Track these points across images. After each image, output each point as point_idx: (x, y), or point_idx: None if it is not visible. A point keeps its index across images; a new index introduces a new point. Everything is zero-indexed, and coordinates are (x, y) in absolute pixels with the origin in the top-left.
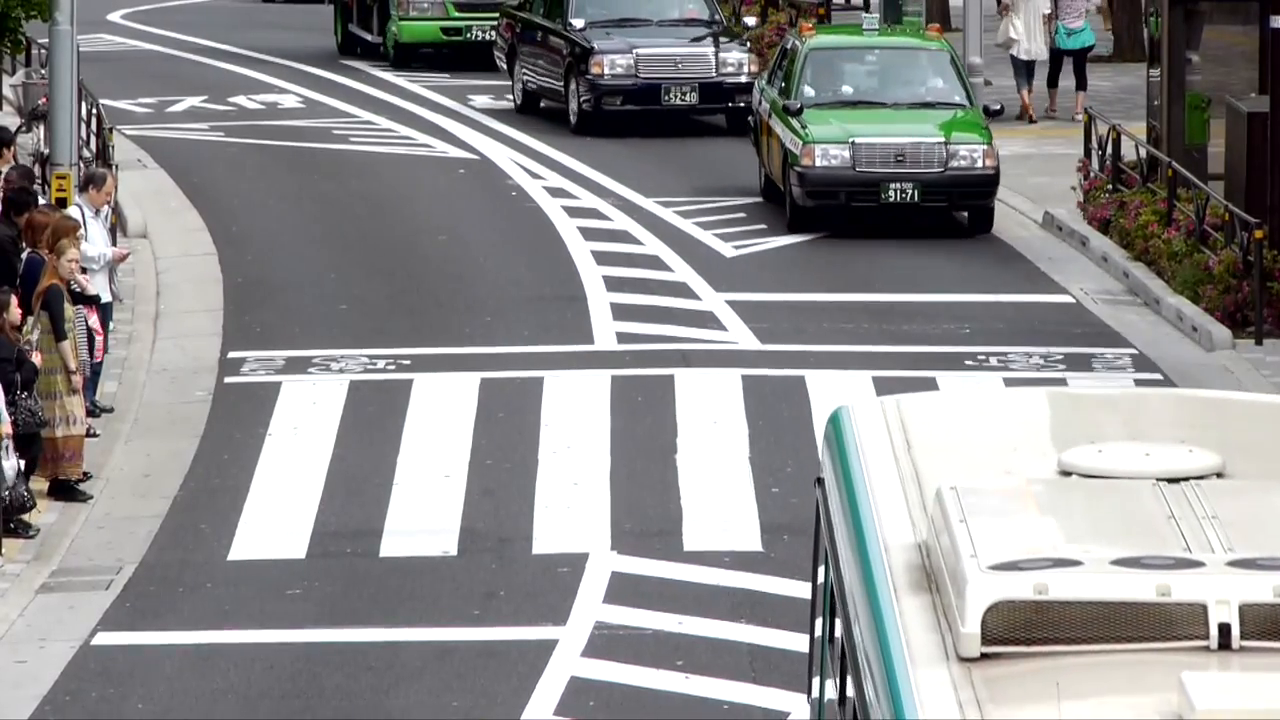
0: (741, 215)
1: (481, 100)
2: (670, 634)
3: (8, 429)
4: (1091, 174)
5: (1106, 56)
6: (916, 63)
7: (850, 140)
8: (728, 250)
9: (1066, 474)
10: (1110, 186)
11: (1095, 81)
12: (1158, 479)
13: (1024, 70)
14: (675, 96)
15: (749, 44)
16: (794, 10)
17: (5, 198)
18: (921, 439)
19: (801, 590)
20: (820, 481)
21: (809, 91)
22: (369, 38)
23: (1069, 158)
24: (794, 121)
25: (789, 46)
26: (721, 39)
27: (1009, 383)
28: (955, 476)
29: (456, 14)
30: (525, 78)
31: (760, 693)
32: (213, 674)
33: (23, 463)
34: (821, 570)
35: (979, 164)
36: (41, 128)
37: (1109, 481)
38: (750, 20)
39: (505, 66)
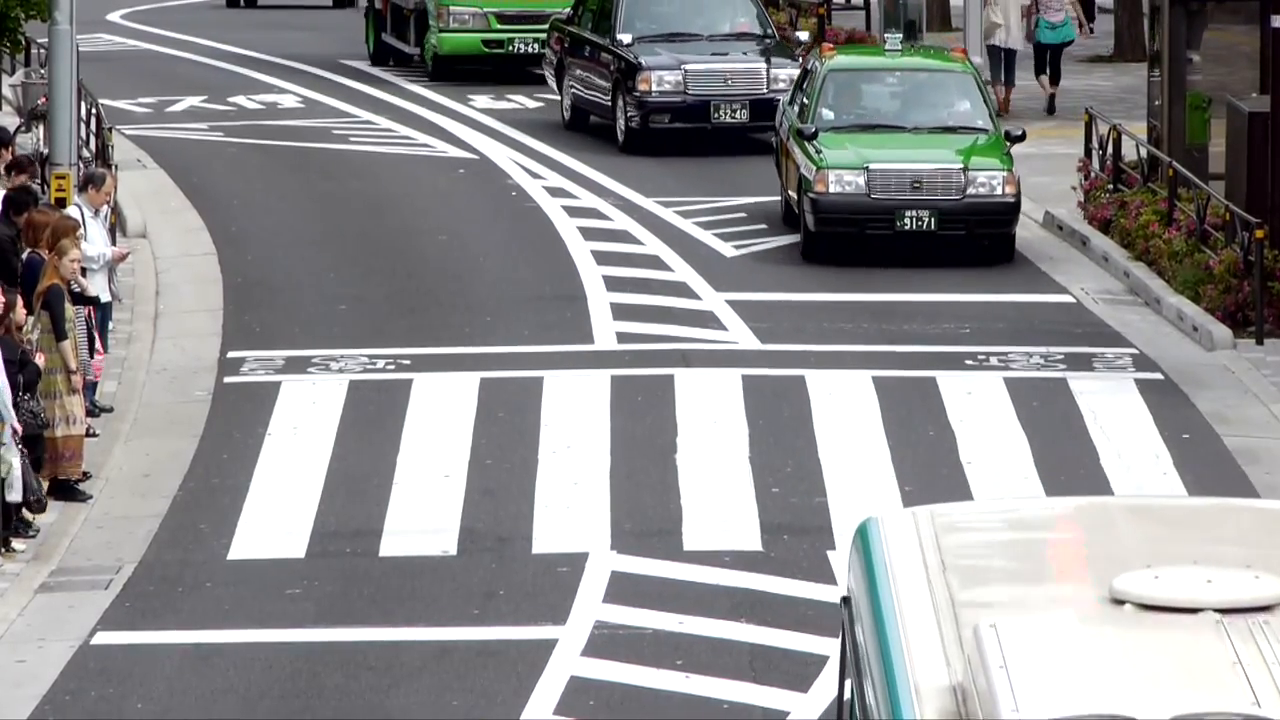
0: (742, 215)
1: (482, 100)
2: (670, 634)
3: (16, 425)
4: (1092, 174)
5: (1107, 56)
6: (939, 85)
7: (865, 166)
8: (728, 250)
9: (1119, 603)
10: (1111, 186)
11: (1096, 81)
12: (1220, 610)
13: (1002, 61)
14: (725, 114)
15: (801, 59)
16: (794, 10)
17: (6, 197)
18: (957, 559)
19: (801, 590)
20: (846, 601)
21: (827, 114)
22: (405, 48)
23: (1069, 158)
24: (809, 146)
25: (810, 67)
26: (774, 54)
27: (1009, 382)
28: (994, 606)
29: (498, 26)
30: (574, 93)
31: (760, 692)
32: (212, 674)
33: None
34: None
35: (999, 191)
36: (41, 128)
37: (1166, 615)
38: (803, 34)
39: (554, 82)
